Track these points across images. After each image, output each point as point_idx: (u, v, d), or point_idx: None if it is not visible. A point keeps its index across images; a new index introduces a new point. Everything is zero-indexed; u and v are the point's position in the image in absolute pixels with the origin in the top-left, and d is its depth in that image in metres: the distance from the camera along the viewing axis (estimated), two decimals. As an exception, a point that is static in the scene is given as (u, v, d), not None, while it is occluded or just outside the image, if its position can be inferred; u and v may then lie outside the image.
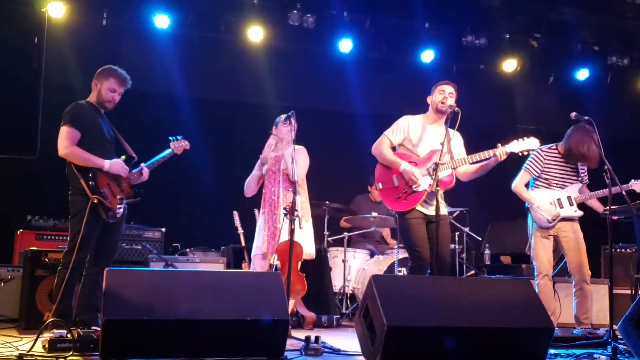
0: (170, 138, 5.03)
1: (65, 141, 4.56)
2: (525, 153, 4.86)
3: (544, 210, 5.43)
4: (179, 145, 5.05)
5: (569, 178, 5.52)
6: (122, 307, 3.42)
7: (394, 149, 5.01)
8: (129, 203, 4.76)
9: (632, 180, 5.44)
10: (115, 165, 4.64)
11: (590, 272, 5.47)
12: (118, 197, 4.62)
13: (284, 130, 5.46)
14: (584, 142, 5.33)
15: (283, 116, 5.44)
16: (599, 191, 5.38)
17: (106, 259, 4.65)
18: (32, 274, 5.24)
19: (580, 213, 5.47)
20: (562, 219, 5.43)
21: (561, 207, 5.44)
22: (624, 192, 4.97)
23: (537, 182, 5.55)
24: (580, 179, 5.54)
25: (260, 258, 5.41)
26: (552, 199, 5.45)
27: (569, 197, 5.45)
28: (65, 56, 7.30)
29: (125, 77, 4.78)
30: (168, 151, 4.99)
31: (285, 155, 5.30)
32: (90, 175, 4.51)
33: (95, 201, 4.47)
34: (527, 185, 5.58)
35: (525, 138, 4.84)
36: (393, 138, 4.96)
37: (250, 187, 5.59)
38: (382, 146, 4.96)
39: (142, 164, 4.87)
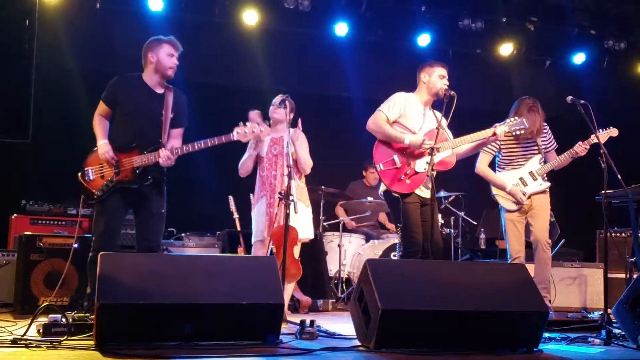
0: (240, 123, 4.59)
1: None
2: (518, 132, 4.92)
3: (509, 194, 5.41)
4: (247, 130, 4.55)
5: (528, 152, 5.47)
6: (117, 292, 3.41)
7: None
8: (131, 186, 4.45)
9: (593, 135, 5.19)
10: (101, 147, 4.46)
11: (549, 240, 5.42)
12: (107, 179, 4.44)
13: (281, 111, 5.41)
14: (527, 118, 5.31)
15: (278, 99, 5.41)
16: (561, 156, 5.38)
17: (144, 242, 4.48)
18: (26, 259, 5.23)
19: (547, 185, 5.42)
20: (531, 194, 5.39)
21: (525, 185, 5.41)
22: (619, 178, 4.92)
23: (500, 163, 5.53)
24: (540, 149, 5.47)
25: (262, 244, 5.38)
26: (515, 180, 5.42)
27: (530, 173, 5.41)
28: (58, 39, 7.25)
29: (176, 41, 4.67)
30: (222, 136, 4.51)
31: (295, 142, 5.19)
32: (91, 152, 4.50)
33: (78, 178, 4.46)
34: (492, 168, 5.56)
35: (517, 118, 4.97)
36: (389, 114, 4.85)
37: (246, 167, 5.40)
38: (380, 121, 4.84)
39: (166, 147, 4.48)
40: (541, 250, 5.34)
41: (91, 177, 4.48)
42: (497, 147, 5.46)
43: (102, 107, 4.57)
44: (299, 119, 5.25)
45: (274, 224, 5.22)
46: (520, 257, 5.37)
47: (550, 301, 5.40)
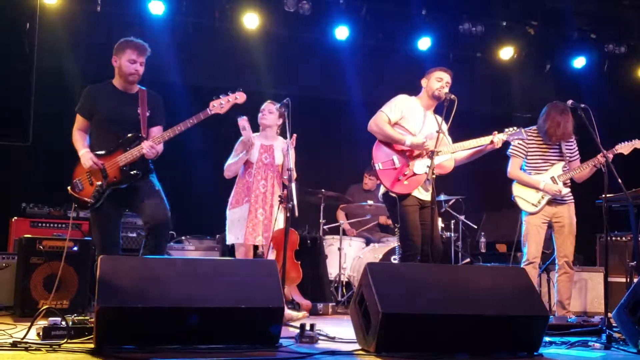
0: (214, 97, 4.59)
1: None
2: (517, 142, 4.96)
3: (529, 196, 5.41)
4: (223, 101, 4.51)
5: (552, 157, 5.49)
6: (116, 295, 3.40)
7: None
8: (120, 186, 4.44)
9: (618, 144, 5.36)
10: (82, 156, 4.46)
11: (572, 258, 5.45)
12: (97, 185, 4.43)
13: (270, 117, 5.44)
14: (556, 121, 5.33)
15: (273, 105, 5.43)
16: (583, 165, 5.38)
17: (152, 222, 4.41)
18: (26, 262, 5.22)
19: (566, 190, 5.43)
20: (557, 202, 5.40)
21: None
22: (620, 182, 4.92)
23: (525, 168, 5.53)
24: (564, 156, 5.49)
25: (243, 247, 5.38)
26: (547, 179, 5.41)
27: (552, 178, 5.42)
28: (59, 43, 7.25)
29: (141, 45, 4.55)
30: (200, 113, 4.51)
31: (289, 151, 5.17)
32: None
33: (69, 192, 4.47)
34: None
35: (515, 128, 4.99)
36: (391, 115, 4.91)
37: (235, 170, 5.44)
38: (382, 122, 4.89)
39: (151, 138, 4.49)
40: (567, 268, 5.39)
41: (81, 187, 4.49)
42: (525, 151, 5.49)
43: (79, 120, 4.57)
44: (294, 135, 5.22)
45: (262, 229, 5.24)
46: (536, 262, 5.39)
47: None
